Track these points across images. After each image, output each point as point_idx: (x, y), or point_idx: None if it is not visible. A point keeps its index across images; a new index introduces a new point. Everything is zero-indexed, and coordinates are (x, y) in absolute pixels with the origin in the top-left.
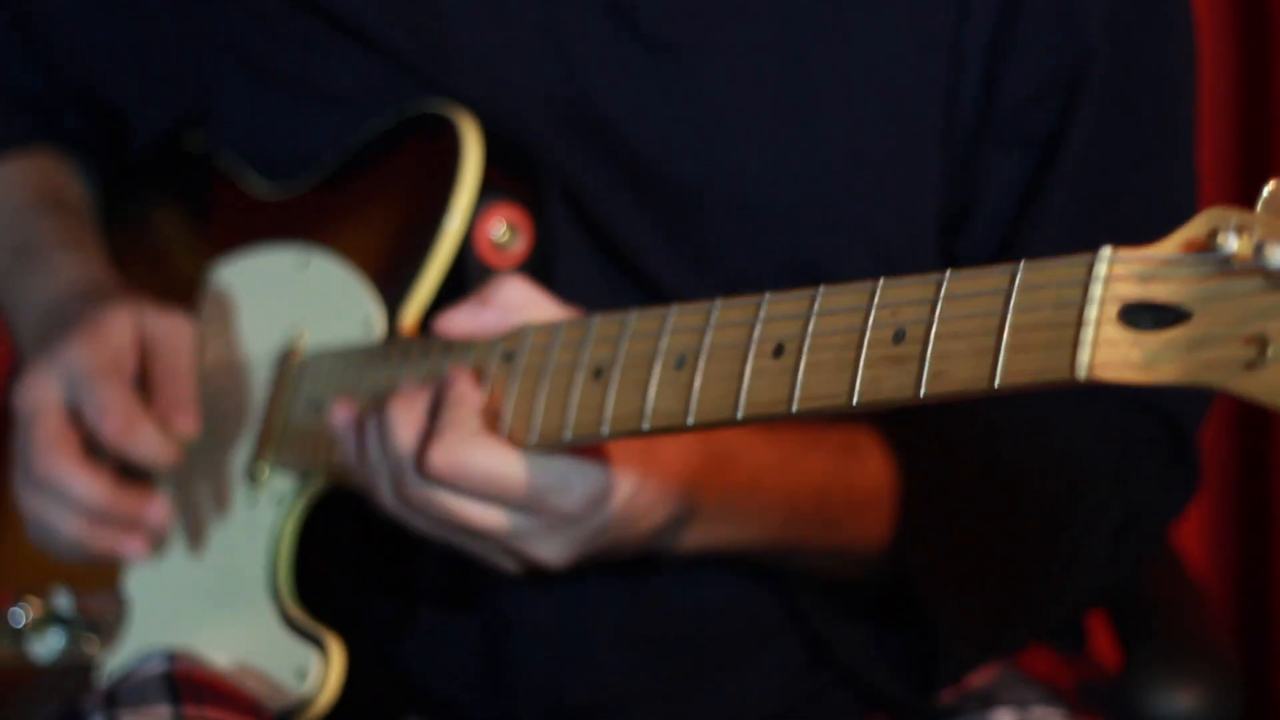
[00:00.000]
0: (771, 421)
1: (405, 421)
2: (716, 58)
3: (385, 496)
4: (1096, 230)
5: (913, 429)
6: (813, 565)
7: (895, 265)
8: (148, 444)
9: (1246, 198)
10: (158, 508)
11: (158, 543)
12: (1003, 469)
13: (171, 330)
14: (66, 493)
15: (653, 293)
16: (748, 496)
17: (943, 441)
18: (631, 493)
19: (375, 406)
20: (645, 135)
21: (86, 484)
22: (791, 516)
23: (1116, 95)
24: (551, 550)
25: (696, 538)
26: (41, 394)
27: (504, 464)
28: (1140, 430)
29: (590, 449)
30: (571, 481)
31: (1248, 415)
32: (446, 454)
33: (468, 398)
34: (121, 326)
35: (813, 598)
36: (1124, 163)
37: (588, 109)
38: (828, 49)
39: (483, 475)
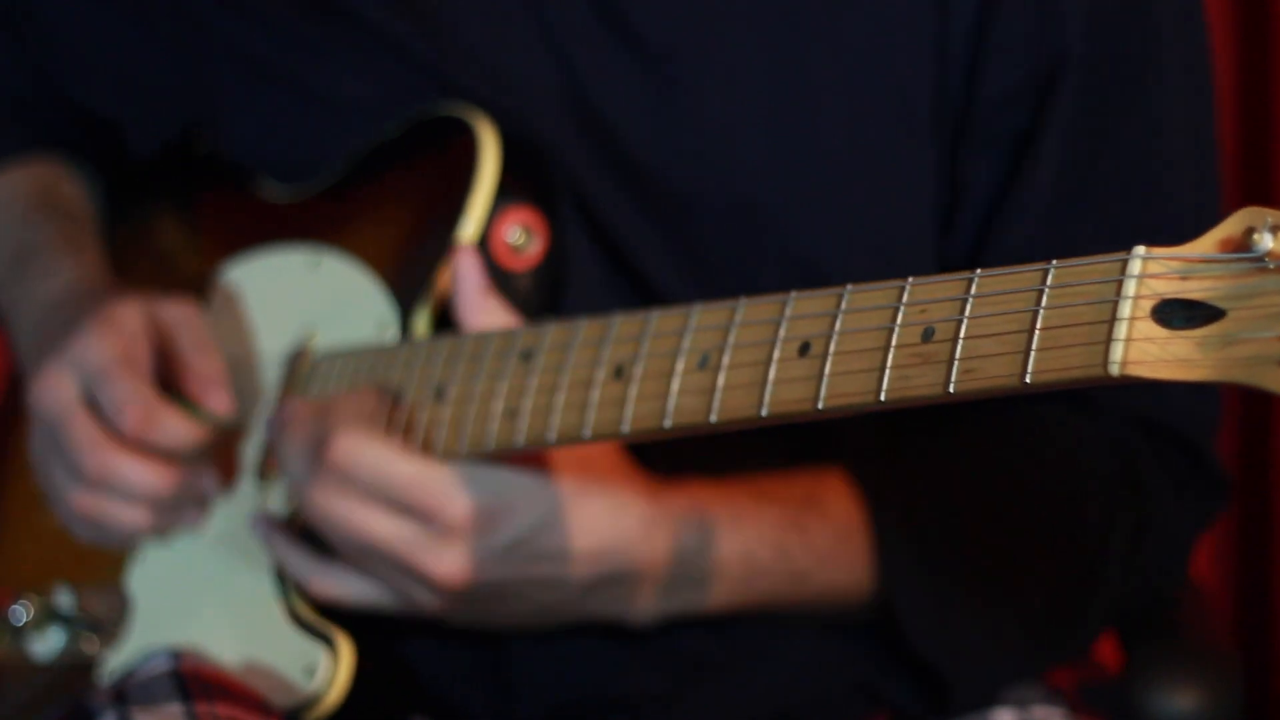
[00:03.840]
0: (794, 421)
1: (296, 436)
2: (710, 63)
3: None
4: (1072, 234)
5: (891, 465)
6: (796, 615)
7: (895, 265)
8: (170, 431)
9: (1246, 198)
10: (210, 476)
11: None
12: (996, 496)
13: (183, 313)
14: (126, 486)
15: (655, 296)
16: (698, 553)
17: (925, 475)
18: (540, 520)
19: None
20: (641, 140)
21: (147, 474)
22: (749, 571)
23: (1095, 97)
24: (444, 562)
25: (653, 602)
26: (59, 393)
27: (392, 460)
28: (1146, 445)
29: (528, 468)
30: (464, 488)
31: (1248, 416)
32: (346, 441)
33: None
34: (132, 316)
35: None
36: (1104, 168)
37: (585, 114)
38: (819, 50)
39: (370, 468)
